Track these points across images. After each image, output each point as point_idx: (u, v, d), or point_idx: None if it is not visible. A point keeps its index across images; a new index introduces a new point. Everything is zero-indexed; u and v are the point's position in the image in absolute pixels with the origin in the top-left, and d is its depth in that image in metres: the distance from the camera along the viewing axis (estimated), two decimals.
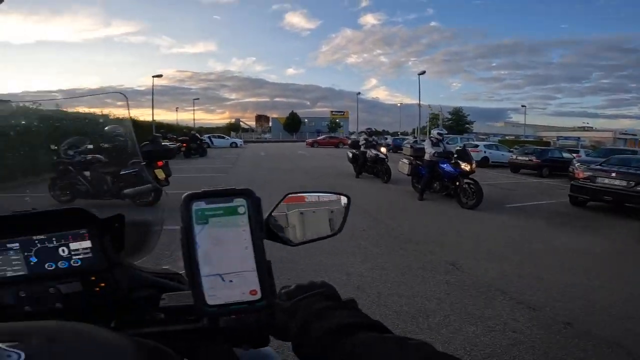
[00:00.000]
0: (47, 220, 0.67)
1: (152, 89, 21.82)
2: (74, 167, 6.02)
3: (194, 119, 38.98)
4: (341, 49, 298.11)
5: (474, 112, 69.34)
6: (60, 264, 0.66)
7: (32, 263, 0.65)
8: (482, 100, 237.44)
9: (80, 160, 5.96)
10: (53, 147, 4.33)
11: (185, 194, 0.39)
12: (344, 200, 0.64)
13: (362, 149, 10.29)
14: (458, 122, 68.27)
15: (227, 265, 0.39)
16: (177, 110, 46.37)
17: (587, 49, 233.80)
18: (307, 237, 0.61)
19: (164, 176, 5.45)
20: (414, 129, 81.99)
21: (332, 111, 77.10)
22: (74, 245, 0.66)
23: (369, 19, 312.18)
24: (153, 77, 21.79)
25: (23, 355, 0.32)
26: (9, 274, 0.64)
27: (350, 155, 10.64)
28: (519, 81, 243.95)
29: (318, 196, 0.65)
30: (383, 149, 9.72)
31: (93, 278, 0.66)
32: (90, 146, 5.40)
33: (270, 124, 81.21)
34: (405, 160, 8.03)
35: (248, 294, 0.39)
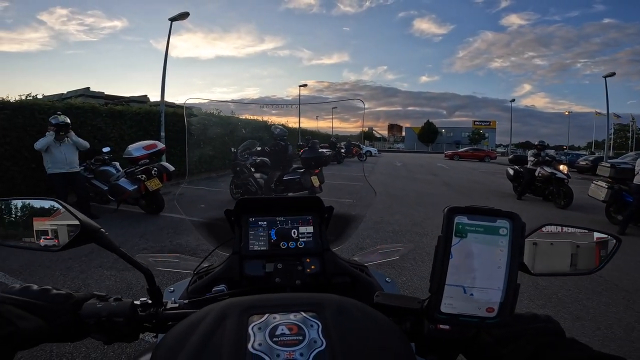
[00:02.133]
0: (289, 204, 0.81)
1: (299, 95, 24.24)
2: (247, 168, 6.61)
3: (332, 127, 41.39)
4: (482, 53, 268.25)
5: None
6: (290, 244, 0.78)
7: (272, 240, 0.78)
8: None
9: (252, 162, 6.72)
10: (233, 149, 4.61)
11: (449, 207, 0.41)
12: (609, 239, 0.57)
13: (529, 165, 8.51)
14: None
15: (473, 280, 0.40)
16: (317, 119, 50.60)
17: None
18: (552, 270, 0.57)
19: (319, 183, 5.65)
20: (589, 143, 64.97)
21: (474, 121, 69.37)
22: (301, 229, 0.79)
23: (514, 20, 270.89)
24: (300, 86, 24.04)
25: (321, 325, 0.39)
26: (256, 248, 0.77)
27: (512, 172, 8.92)
28: None
29: (578, 231, 0.58)
30: (563, 167, 7.74)
31: (308, 260, 0.76)
32: (259, 148, 6.14)
33: (404, 133, 79.40)
34: (602, 184, 6.09)
35: (484, 310, 0.40)
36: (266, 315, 0.41)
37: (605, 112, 48.75)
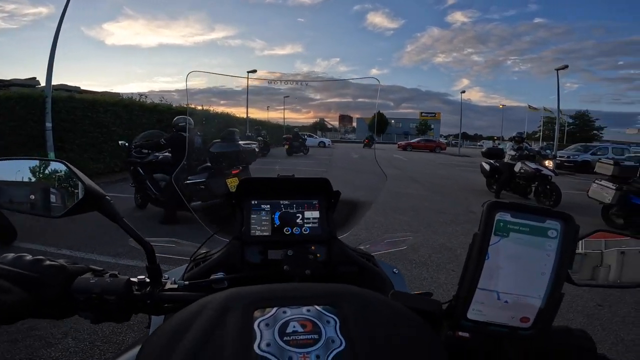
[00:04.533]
0: (295, 185, 0.77)
1: (247, 85, 21.83)
2: (144, 168, 4.80)
3: (284, 118, 39.25)
4: (427, 48, 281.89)
5: (596, 116, 56.56)
6: (295, 230, 0.74)
7: (275, 225, 0.74)
8: (606, 103, 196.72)
9: (151, 160, 4.70)
10: (121, 142, 4.98)
11: (491, 200, 0.38)
12: None
13: (507, 159, 7.62)
14: (583, 127, 56.67)
15: (510, 285, 0.36)
16: (267, 109, 47.88)
17: None
18: (624, 280, 0.52)
19: None
20: (518, 133, 70.69)
21: (421, 112, 71.72)
22: (307, 214, 0.75)
23: (458, 17, 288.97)
24: (248, 72, 21.80)
25: (338, 321, 0.33)
26: (258, 233, 0.73)
27: (487, 167, 8.00)
28: None
29: (630, 240, 0.54)
30: (549, 162, 6.92)
31: (313, 247, 0.72)
32: (164, 141, 4.26)
33: (355, 124, 79.78)
34: (608, 184, 5.22)
35: (518, 320, 0.36)
36: (274, 309, 0.35)
37: (536, 106, 52.55)
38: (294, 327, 0.33)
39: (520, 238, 0.36)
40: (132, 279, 0.51)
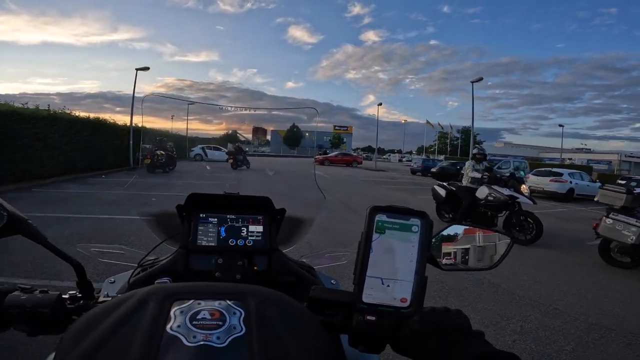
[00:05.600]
0: (240, 202, 0.83)
1: (135, 83, 17.39)
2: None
3: (187, 127, 34.33)
4: (341, 64, 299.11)
5: (476, 132, 66.19)
6: (239, 242, 0.80)
7: (220, 237, 0.80)
8: (477, 120, 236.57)
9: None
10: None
11: (372, 206, 0.45)
12: (505, 240, 0.64)
13: (466, 182, 6.07)
14: (468, 141, 65.15)
15: (389, 272, 0.44)
16: (172, 118, 41.90)
17: (581, 68, 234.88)
18: (458, 265, 0.62)
19: None
20: (419, 148, 79.34)
21: (335, 126, 73.36)
22: (251, 228, 0.81)
23: (371, 36, 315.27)
24: (137, 69, 17.35)
25: (244, 313, 0.40)
26: (204, 243, 0.79)
27: (443, 193, 6.28)
28: (514, 101, 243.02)
29: (480, 232, 0.64)
30: (524, 188, 5.48)
31: (255, 258, 0.79)
32: None
33: (269, 137, 77.17)
34: (630, 220, 3.77)
35: (399, 301, 0.44)
36: (191, 301, 0.41)
37: (431, 122, 57.75)
38: (204, 314, 0.39)
39: (393, 234, 0.44)
40: (63, 295, 0.54)
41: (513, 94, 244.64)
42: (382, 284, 0.44)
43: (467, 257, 0.62)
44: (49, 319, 0.51)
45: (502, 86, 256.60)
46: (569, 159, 53.40)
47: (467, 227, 0.63)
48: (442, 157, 50.75)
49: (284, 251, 0.83)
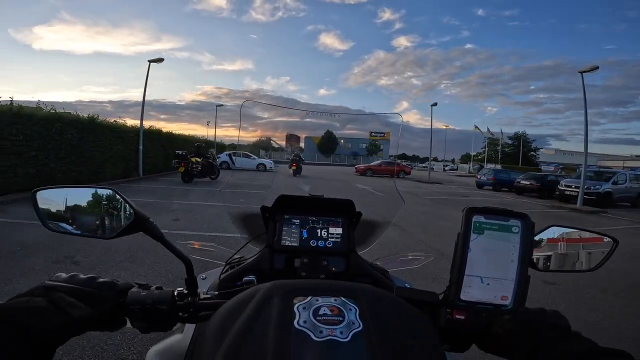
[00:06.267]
0: (324, 204, 0.85)
1: (147, 77, 14.78)
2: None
3: (215, 132, 32.15)
4: (372, 70, 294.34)
5: (532, 137, 58.87)
6: (319, 243, 0.83)
7: (303, 238, 0.83)
8: (519, 126, 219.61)
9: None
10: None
11: (468, 207, 0.46)
12: (608, 241, 0.62)
13: None
14: (519, 148, 58.33)
15: (489, 271, 0.45)
16: (208, 125, 40.45)
17: (633, 70, 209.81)
18: (556, 266, 0.60)
19: None
20: (462, 156, 72.64)
21: (371, 132, 69.34)
22: (331, 230, 0.84)
23: (402, 41, 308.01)
24: (149, 61, 14.82)
25: (358, 310, 0.42)
26: (287, 243, 0.82)
27: None
28: (560, 105, 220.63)
29: (581, 232, 0.63)
30: None
31: (334, 259, 0.81)
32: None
33: (302, 143, 74.67)
34: None
35: (499, 299, 0.45)
36: (310, 297, 0.43)
37: (479, 127, 51.99)
38: (325, 310, 0.42)
39: (491, 234, 0.45)
40: (174, 291, 0.56)
41: (558, 98, 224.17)
42: (482, 282, 0.44)
43: (567, 259, 0.61)
44: (165, 315, 0.52)
45: (547, 90, 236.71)
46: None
47: (567, 228, 0.62)
48: (497, 165, 45.44)
49: (359, 253, 0.85)
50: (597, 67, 12.35)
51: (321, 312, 0.41)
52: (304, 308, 0.41)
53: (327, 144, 61.91)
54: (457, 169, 60.58)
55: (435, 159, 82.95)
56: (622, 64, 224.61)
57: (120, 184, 10.99)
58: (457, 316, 0.46)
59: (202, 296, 0.58)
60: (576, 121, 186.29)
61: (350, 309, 0.42)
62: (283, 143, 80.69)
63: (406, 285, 0.84)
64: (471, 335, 0.47)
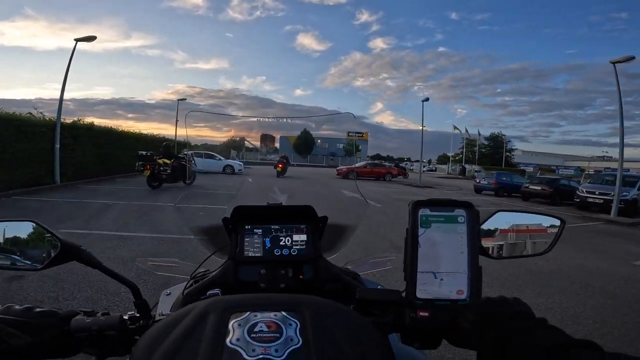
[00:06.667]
0: (284, 212, 0.84)
1: (70, 60, 11.46)
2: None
3: (175, 130, 28.16)
4: (349, 71, 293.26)
5: (508, 138, 58.93)
6: (284, 251, 0.81)
7: (266, 247, 0.81)
8: (486, 127, 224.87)
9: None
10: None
11: (414, 201, 0.45)
12: (555, 222, 0.62)
13: None
14: (497, 149, 58.28)
15: (441, 265, 0.43)
16: (176, 123, 36.32)
17: (592, 75, 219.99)
18: (507, 253, 0.60)
19: None
20: (439, 156, 72.41)
21: (349, 132, 67.23)
22: (295, 237, 0.82)
23: (379, 43, 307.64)
24: (76, 40, 11.63)
25: (299, 324, 0.41)
26: (250, 254, 0.80)
27: None
28: (524, 108, 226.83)
29: (528, 216, 0.63)
30: None
31: (301, 267, 0.80)
32: None
33: (277, 144, 71.31)
34: None
35: (455, 293, 0.43)
36: (247, 313, 0.42)
37: (458, 127, 51.11)
38: (261, 327, 0.40)
39: (439, 227, 0.44)
40: (123, 315, 0.54)
41: (523, 101, 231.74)
42: (435, 278, 0.43)
43: (518, 244, 0.60)
44: (116, 340, 0.51)
45: (512, 93, 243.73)
46: (605, 168, 46.65)
47: (515, 212, 0.62)
48: (474, 166, 44.59)
49: (328, 258, 0.84)
50: (633, 57, 10.28)
51: (257, 328, 0.40)
52: (239, 325, 0.40)
53: (304, 144, 58.99)
54: (435, 170, 59.42)
55: (409, 160, 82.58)
56: (582, 67, 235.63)
57: (12, 197, 7.68)
58: (421, 314, 0.44)
59: (157, 317, 0.57)
60: (539, 123, 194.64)
61: (291, 324, 0.41)
62: (258, 143, 77.02)
63: (378, 287, 0.80)
64: (439, 332, 0.47)
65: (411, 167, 63.34)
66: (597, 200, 11.36)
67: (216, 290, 0.67)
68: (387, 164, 29.89)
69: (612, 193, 10.91)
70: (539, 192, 13.66)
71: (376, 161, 30.02)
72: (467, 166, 43.94)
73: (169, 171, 10.48)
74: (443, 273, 0.43)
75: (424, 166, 61.55)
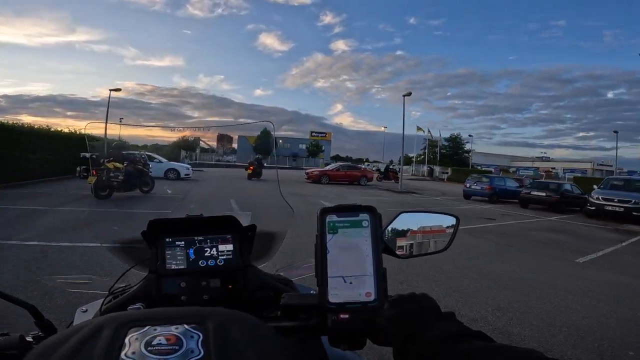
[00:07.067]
0: (207, 224, 0.80)
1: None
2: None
3: (105, 126, 23.35)
4: (310, 72, 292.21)
5: (466, 139, 60.10)
6: (210, 262, 0.78)
7: (190, 259, 0.78)
8: (437, 130, 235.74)
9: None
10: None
11: (321, 208, 0.46)
12: (452, 220, 0.66)
13: None
14: (456, 149, 59.15)
15: (349, 269, 0.44)
16: (120, 121, 31.29)
17: (529, 80, 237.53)
18: (415, 252, 0.63)
19: None
20: (399, 158, 72.00)
21: (312, 132, 64.70)
22: (221, 247, 0.79)
23: (340, 45, 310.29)
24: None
25: (202, 336, 0.40)
26: (173, 266, 0.77)
27: None
28: (471, 111, 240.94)
29: (429, 215, 0.66)
30: None
31: (229, 277, 0.78)
32: None
33: (236, 144, 66.68)
34: None
35: (364, 295, 0.44)
36: (147, 327, 0.41)
37: (421, 128, 50.79)
38: (160, 340, 0.39)
39: (345, 232, 0.45)
40: (26, 337, 0.53)
41: (470, 105, 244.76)
42: (345, 282, 0.44)
43: (424, 243, 0.63)
44: None
45: (461, 97, 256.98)
46: (551, 168, 49.06)
47: (416, 213, 0.64)
48: (436, 167, 44.24)
49: (260, 267, 0.83)
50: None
51: (155, 342, 0.39)
52: (136, 339, 0.39)
53: (264, 145, 55.27)
54: (398, 171, 58.76)
55: (367, 160, 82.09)
56: (520, 73, 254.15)
57: None
58: (341, 316, 0.46)
59: None
60: (483, 125, 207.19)
61: (192, 336, 0.40)
62: (214, 144, 71.63)
63: (312, 292, 0.78)
64: (361, 332, 0.48)
65: (372, 168, 62.19)
66: (616, 209, 9.68)
67: (138, 305, 0.66)
68: (361, 166, 27.48)
69: (634, 200, 9.27)
70: (543, 199, 11.91)
71: (349, 163, 27.52)
72: (434, 167, 43.21)
73: (121, 177, 7.77)
74: (351, 277, 0.44)
75: (396, 168, 61.06)
